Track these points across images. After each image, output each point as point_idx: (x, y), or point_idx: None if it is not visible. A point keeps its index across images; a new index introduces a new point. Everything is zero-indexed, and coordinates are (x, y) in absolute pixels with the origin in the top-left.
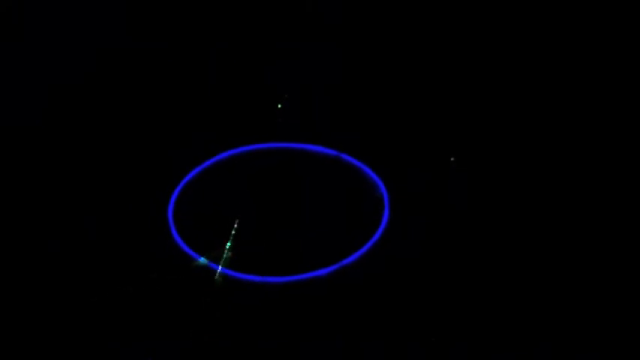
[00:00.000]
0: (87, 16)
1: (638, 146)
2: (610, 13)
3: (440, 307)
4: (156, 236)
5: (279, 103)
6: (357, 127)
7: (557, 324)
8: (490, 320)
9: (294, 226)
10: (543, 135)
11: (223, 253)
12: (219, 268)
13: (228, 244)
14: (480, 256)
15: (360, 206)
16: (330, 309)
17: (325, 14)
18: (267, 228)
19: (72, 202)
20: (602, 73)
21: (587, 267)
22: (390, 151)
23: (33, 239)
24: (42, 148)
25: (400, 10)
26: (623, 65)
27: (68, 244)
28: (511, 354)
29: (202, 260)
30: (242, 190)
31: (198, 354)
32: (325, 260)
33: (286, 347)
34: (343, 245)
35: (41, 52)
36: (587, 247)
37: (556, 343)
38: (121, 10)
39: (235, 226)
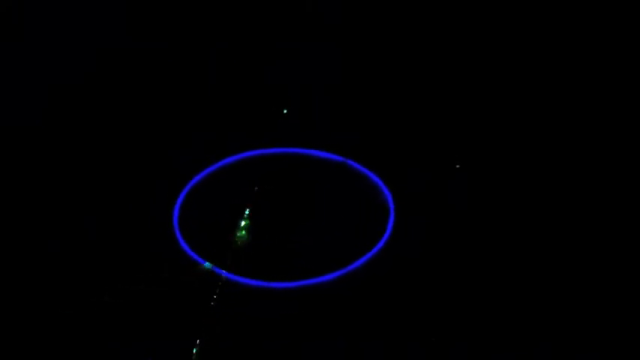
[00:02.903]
0: (87, 16)
1: (637, 146)
2: (609, 14)
3: (440, 307)
4: (156, 236)
5: (285, 109)
6: (356, 127)
7: (557, 324)
8: (490, 320)
9: (299, 232)
10: (542, 137)
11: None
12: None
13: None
14: (480, 257)
15: (365, 212)
16: (331, 310)
17: (325, 14)
18: (271, 233)
19: (72, 202)
20: (601, 76)
21: (587, 267)
22: (389, 151)
23: (33, 239)
24: (42, 148)
25: (400, 11)
26: (622, 67)
27: (68, 244)
28: (511, 354)
29: (207, 265)
30: (246, 195)
31: (198, 354)
32: (329, 266)
33: (288, 347)
34: (347, 251)
35: (41, 52)
36: (587, 248)
37: (556, 343)
38: (121, 10)
39: (239, 229)
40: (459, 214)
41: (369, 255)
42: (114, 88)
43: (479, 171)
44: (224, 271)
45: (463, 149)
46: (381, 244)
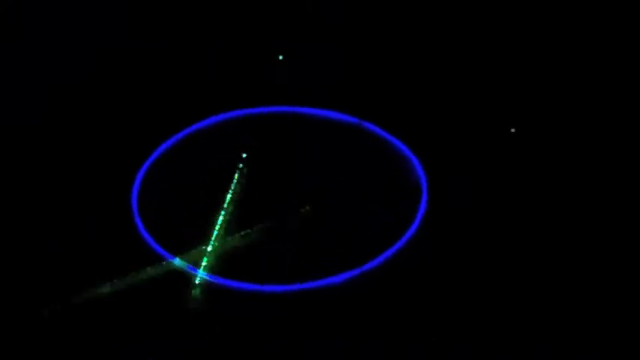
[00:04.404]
0: (87, 16)
1: (638, 145)
2: (612, 12)
3: (440, 307)
4: (156, 235)
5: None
6: (356, 126)
7: (557, 324)
8: (490, 320)
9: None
10: (544, 135)
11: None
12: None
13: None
14: (480, 256)
15: (390, 198)
16: (331, 309)
17: (325, 14)
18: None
19: (72, 202)
20: (604, 74)
21: (587, 267)
22: (389, 150)
23: (33, 239)
24: (42, 148)
25: (400, 10)
26: (624, 65)
27: (68, 244)
28: (511, 354)
29: (178, 262)
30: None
31: (198, 354)
32: (333, 269)
33: (288, 347)
34: (360, 246)
35: (41, 52)
36: (588, 247)
37: (556, 343)
38: (121, 10)
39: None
40: (458, 214)
41: (389, 252)
42: (114, 88)
43: (479, 171)
44: (200, 271)
45: (465, 148)
46: (406, 237)
